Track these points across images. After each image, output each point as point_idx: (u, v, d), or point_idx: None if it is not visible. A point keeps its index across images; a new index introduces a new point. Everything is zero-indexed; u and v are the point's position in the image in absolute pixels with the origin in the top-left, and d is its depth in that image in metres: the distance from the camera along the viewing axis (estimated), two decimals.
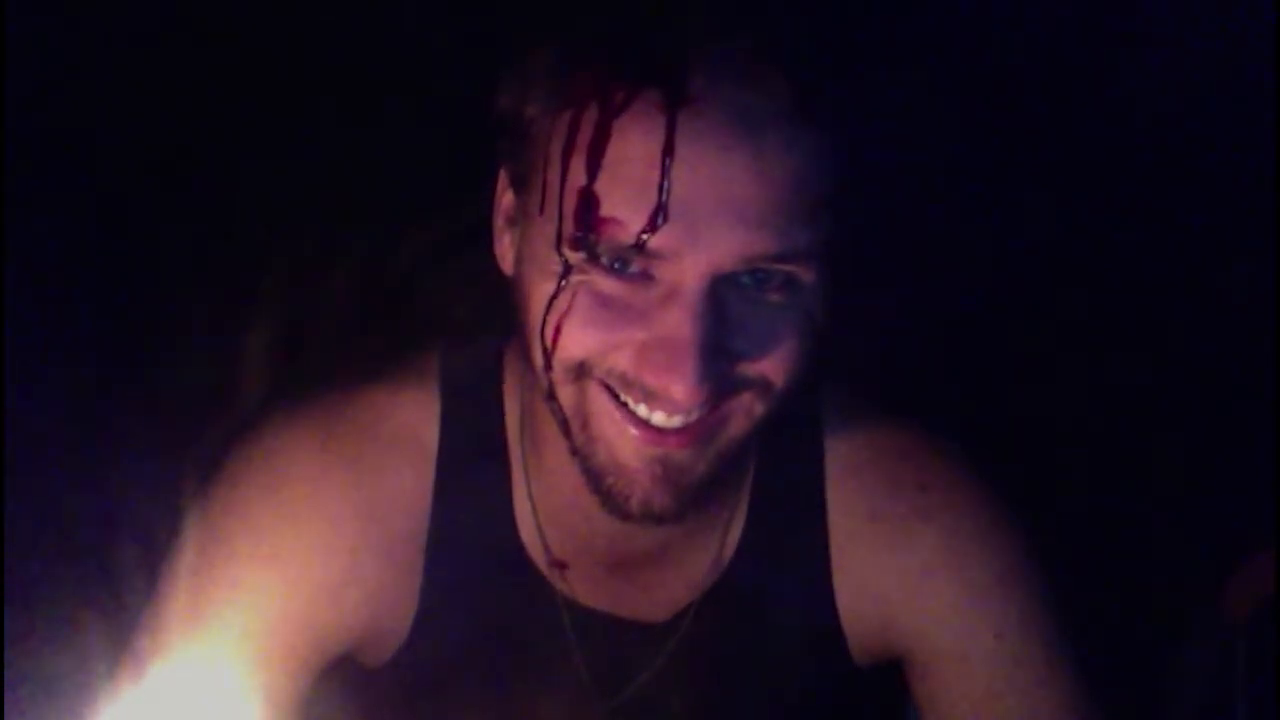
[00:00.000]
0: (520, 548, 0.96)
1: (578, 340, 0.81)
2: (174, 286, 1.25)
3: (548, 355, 0.82)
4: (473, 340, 0.96)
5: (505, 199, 0.88)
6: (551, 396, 0.84)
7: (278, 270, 1.21)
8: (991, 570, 0.95)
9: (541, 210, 0.82)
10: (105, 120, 1.21)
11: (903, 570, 0.96)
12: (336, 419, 0.95)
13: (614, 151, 0.78)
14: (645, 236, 0.77)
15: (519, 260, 0.86)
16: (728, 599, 0.97)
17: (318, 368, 1.18)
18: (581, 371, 0.82)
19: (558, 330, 0.81)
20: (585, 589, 0.96)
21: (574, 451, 0.85)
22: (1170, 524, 1.28)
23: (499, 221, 0.89)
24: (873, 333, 1.04)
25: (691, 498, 0.85)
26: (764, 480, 0.97)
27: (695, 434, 0.82)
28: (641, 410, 0.82)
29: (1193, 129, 1.30)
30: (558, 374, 0.83)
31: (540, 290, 0.82)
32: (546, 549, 0.95)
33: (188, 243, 1.25)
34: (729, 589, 0.97)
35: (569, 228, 0.79)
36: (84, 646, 1.00)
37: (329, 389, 0.97)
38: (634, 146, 0.77)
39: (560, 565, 0.95)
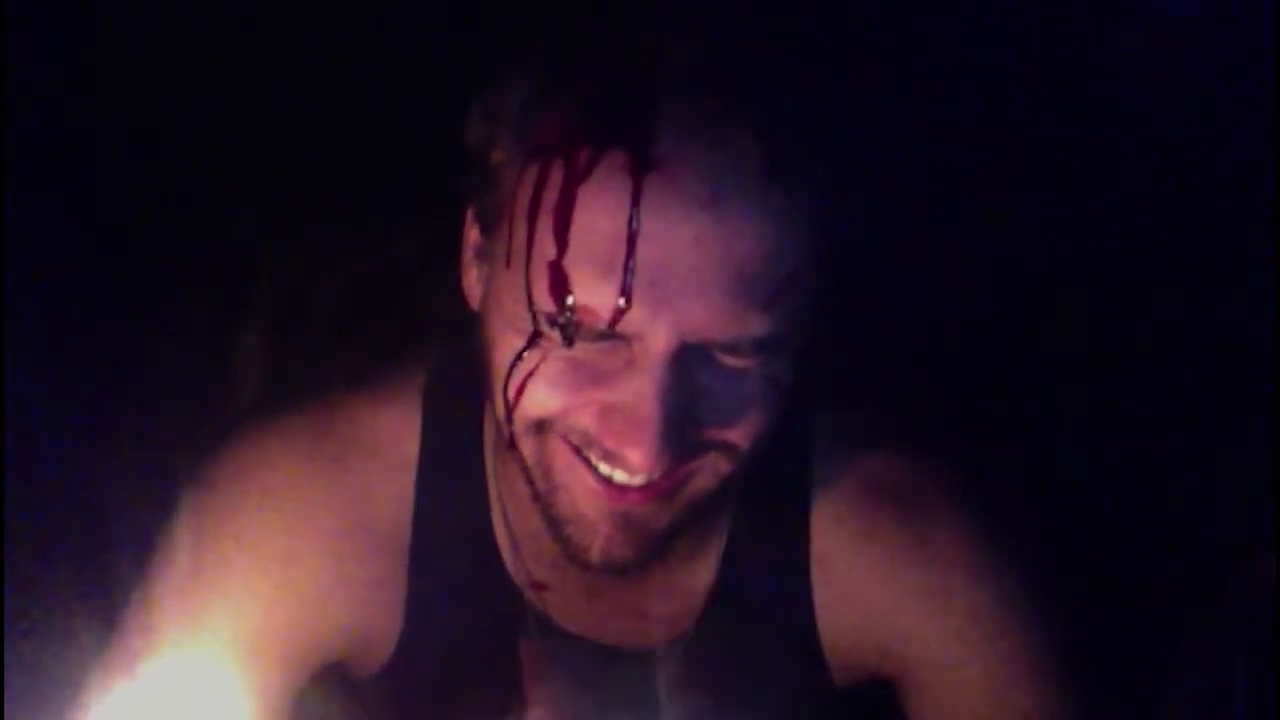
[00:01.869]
0: (501, 569, 0.95)
1: (541, 402, 0.80)
2: (170, 287, 1.25)
3: (509, 410, 0.81)
4: (462, 356, 0.93)
5: (472, 234, 0.86)
6: (512, 446, 0.83)
7: (273, 270, 1.21)
8: (982, 593, 0.94)
9: (508, 264, 0.80)
10: (102, 120, 1.21)
11: (890, 595, 0.95)
12: (322, 429, 0.95)
13: (580, 222, 0.76)
14: (617, 320, 0.75)
15: (485, 302, 0.84)
16: (710, 627, 0.96)
17: (312, 367, 1.18)
18: (542, 427, 0.81)
19: (521, 389, 0.80)
20: (565, 613, 0.96)
21: (535, 498, 0.84)
22: (1170, 525, 1.28)
23: (467, 255, 0.87)
24: (863, 352, 1.03)
25: (654, 549, 0.84)
26: (748, 505, 0.95)
27: (657, 491, 0.81)
28: (603, 468, 0.81)
29: (1186, 134, 1.29)
30: (518, 427, 0.82)
31: (506, 344, 0.81)
32: (526, 571, 0.95)
33: (183, 243, 1.25)
34: (711, 616, 0.96)
35: (544, 303, 0.77)
36: (80, 646, 0.99)
37: (315, 396, 0.97)
38: (601, 218, 0.75)
39: (540, 587, 0.95)
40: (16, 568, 1.09)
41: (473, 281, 0.86)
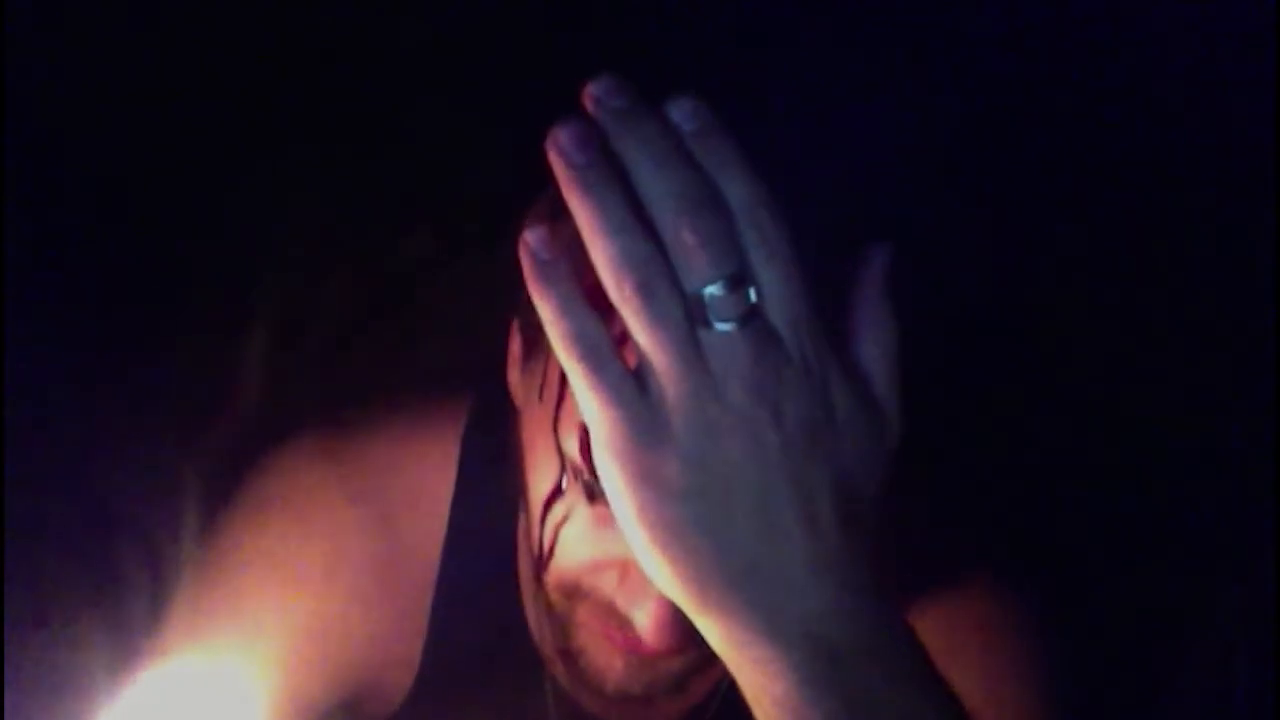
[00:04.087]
0: (524, 632, 0.94)
1: (572, 554, 0.77)
2: (176, 283, 1.24)
3: (543, 560, 0.78)
4: (503, 407, 0.87)
5: (514, 345, 0.83)
6: (538, 580, 0.81)
7: (280, 267, 1.21)
8: (994, 655, 0.91)
9: (540, 396, 0.77)
10: (105, 118, 1.21)
11: None
12: (362, 464, 0.94)
13: None
14: None
15: (524, 410, 0.81)
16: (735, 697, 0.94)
17: (322, 366, 1.17)
18: (574, 594, 0.78)
19: (554, 542, 0.77)
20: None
21: (553, 620, 0.83)
22: (1170, 524, 1.28)
23: (512, 353, 0.84)
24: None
25: (668, 688, 0.82)
26: None
27: (674, 645, 0.76)
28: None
29: (1188, 130, 1.29)
30: (550, 581, 0.79)
31: (537, 483, 0.77)
32: (553, 636, 0.91)
33: (189, 239, 1.24)
34: (726, 710, 0.93)
35: (571, 454, 0.73)
36: (85, 648, 0.99)
37: (350, 420, 0.96)
38: None
39: (566, 655, 0.91)
40: (19, 568, 1.09)
41: (515, 384, 0.83)
